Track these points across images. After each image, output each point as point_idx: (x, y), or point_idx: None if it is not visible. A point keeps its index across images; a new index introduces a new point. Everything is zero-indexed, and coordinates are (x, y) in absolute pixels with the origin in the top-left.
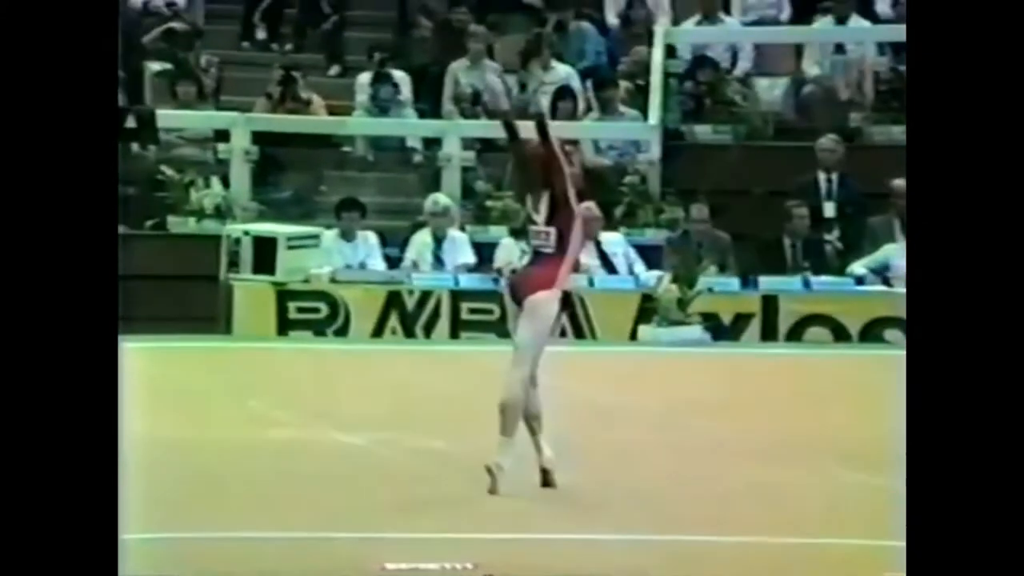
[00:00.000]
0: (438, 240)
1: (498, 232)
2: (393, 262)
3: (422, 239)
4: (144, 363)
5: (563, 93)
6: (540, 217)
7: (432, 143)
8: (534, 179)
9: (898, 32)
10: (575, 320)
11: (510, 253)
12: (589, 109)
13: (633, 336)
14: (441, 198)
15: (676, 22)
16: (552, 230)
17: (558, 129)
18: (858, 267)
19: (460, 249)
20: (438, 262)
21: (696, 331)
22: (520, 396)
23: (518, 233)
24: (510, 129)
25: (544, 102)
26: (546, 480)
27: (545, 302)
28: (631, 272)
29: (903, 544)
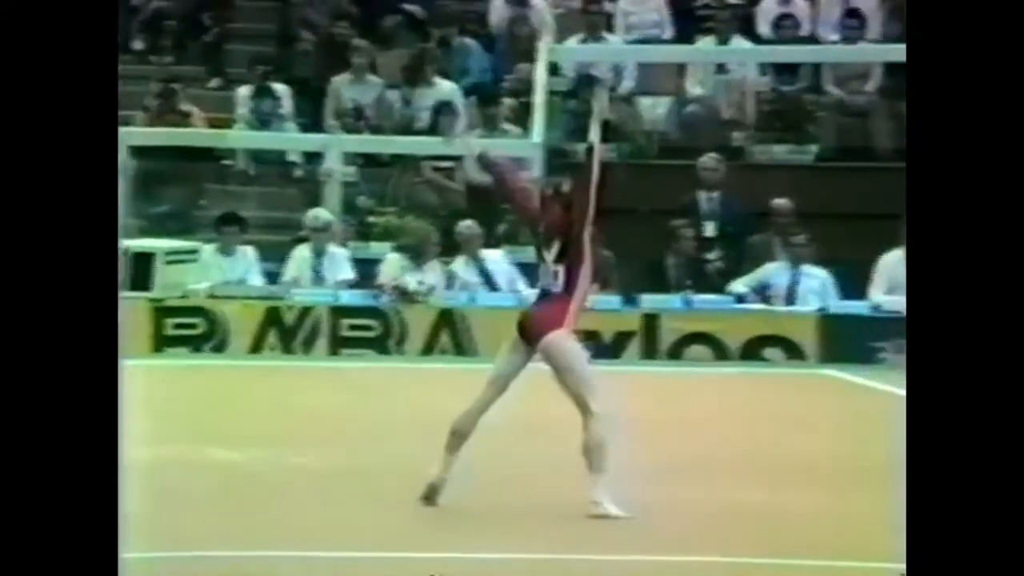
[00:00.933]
0: (318, 255)
1: (380, 248)
2: (272, 277)
3: (301, 254)
4: None
5: (443, 108)
6: (550, 255)
7: (314, 157)
8: (549, 217)
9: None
10: (456, 338)
11: (393, 269)
12: (473, 126)
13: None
14: (322, 213)
15: (560, 40)
16: (561, 268)
17: (438, 145)
18: (738, 286)
19: (340, 265)
20: (318, 278)
21: None
22: (470, 423)
23: (402, 249)
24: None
25: (428, 119)
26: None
27: (559, 340)
28: (513, 289)
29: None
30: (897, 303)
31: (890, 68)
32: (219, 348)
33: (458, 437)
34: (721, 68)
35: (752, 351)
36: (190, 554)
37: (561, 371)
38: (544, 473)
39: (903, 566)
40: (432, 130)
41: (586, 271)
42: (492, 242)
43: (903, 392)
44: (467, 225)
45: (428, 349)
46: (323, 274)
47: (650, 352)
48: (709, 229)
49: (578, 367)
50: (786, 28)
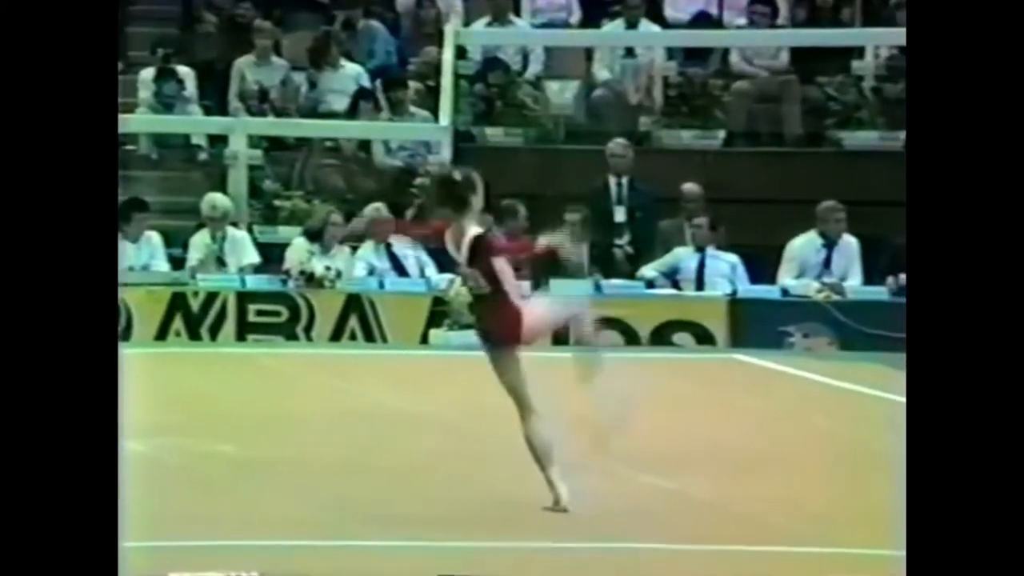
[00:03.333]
0: (219, 240)
1: (287, 232)
2: (177, 263)
3: (202, 239)
4: None
5: (364, 93)
6: (460, 256)
7: (218, 141)
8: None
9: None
10: (365, 323)
11: (300, 254)
12: (379, 109)
13: (424, 340)
14: (218, 200)
15: (467, 23)
16: (477, 272)
17: (351, 129)
18: (648, 271)
19: (243, 249)
20: (221, 263)
21: None
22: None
23: (308, 234)
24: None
25: (334, 101)
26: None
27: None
28: (422, 275)
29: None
30: (805, 287)
31: (797, 52)
32: (124, 336)
33: (539, 454)
34: (629, 52)
35: (662, 336)
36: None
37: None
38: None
39: (817, 548)
40: (351, 114)
41: (501, 263)
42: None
43: (813, 376)
44: (373, 208)
45: (336, 335)
46: (226, 259)
47: (560, 338)
48: (619, 214)
49: (523, 366)
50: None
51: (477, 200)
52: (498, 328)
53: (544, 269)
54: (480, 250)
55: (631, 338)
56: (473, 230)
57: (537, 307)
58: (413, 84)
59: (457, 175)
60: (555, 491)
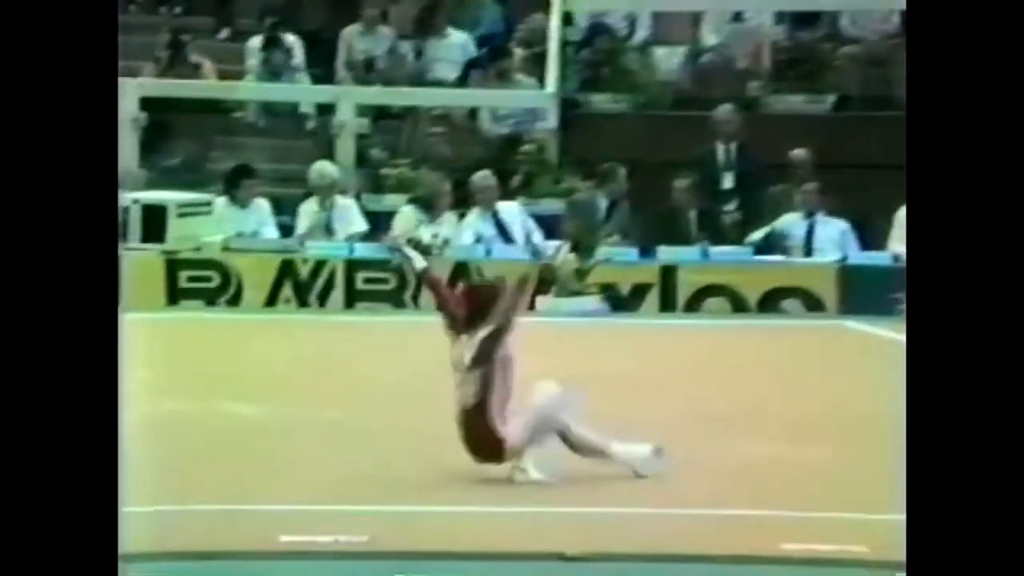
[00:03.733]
0: (327, 209)
1: (394, 200)
2: (286, 230)
3: (311, 207)
4: None
5: (475, 62)
6: (464, 361)
7: (326, 109)
8: (457, 319)
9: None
10: None
11: (408, 222)
12: (487, 77)
13: (530, 307)
14: (326, 169)
15: None
16: (476, 376)
17: (457, 97)
18: (756, 237)
19: (351, 218)
20: (329, 231)
21: (594, 302)
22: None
23: (417, 201)
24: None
25: (440, 70)
26: None
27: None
28: (528, 242)
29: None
30: None
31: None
32: (233, 301)
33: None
34: (737, 17)
35: (770, 303)
36: (189, 508)
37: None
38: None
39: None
40: (460, 82)
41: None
42: (507, 194)
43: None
44: (481, 176)
45: None
46: (334, 227)
47: (668, 305)
48: (727, 181)
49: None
50: None
51: (498, 307)
52: (480, 450)
53: (653, 234)
54: (488, 347)
55: (739, 305)
56: (483, 331)
57: (516, 427)
58: (519, 51)
59: (487, 287)
60: (630, 465)
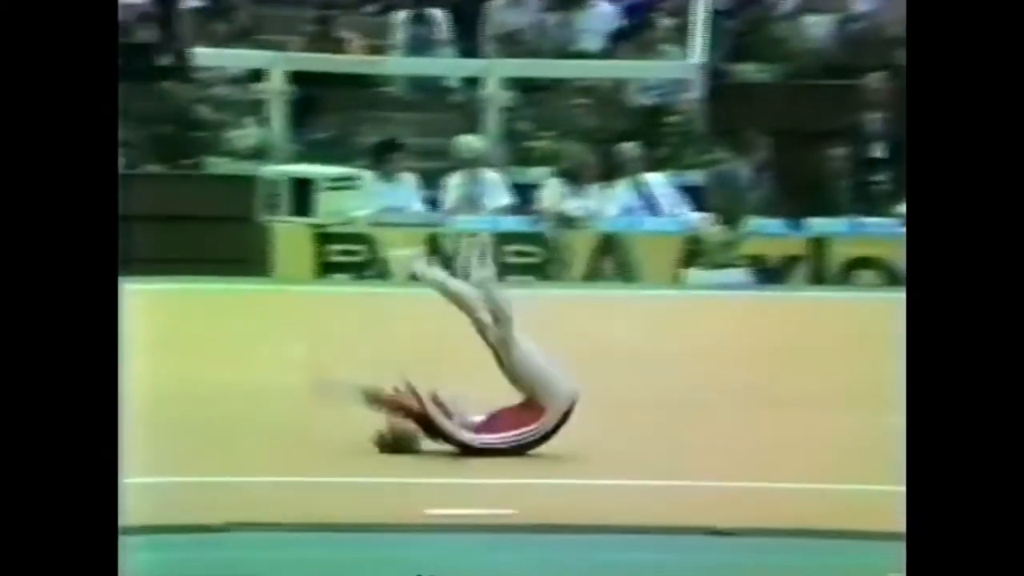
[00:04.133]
0: (473, 183)
1: (540, 173)
2: (432, 204)
3: (458, 181)
4: (180, 304)
5: (622, 33)
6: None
7: (471, 83)
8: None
9: None
10: (620, 262)
11: (554, 195)
12: (633, 48)
13: (678, 279)
14: (473, 142)
15: None
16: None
17: (602, 69)
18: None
19: (497, 191)
20: (475, 205)
21: (742, 274)
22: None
23: (563, 173)
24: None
25: (586, 41)
26: None
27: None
28: (675, 213)
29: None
30: None
31: None
32: (381, 275)
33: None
34: None
35: None
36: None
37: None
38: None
39: None
40: (605, 53)
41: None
42: (654, 165)
43: None
44: (629, 147)
45: (591, 275)
46: (480, 201)
47: (817, 277)
48: (876, 150)
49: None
50: None
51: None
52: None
53: (801, 205)
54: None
55: (890, 277)
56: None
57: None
58: (665, 21)
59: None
60: None
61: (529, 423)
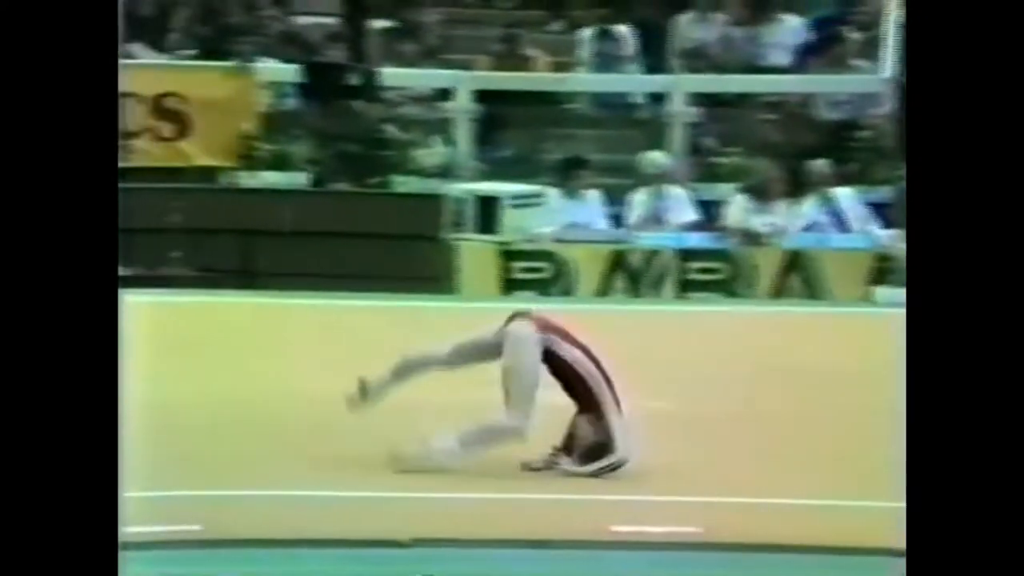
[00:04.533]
0: (659, 199)
1: (726, 189)
2: (617, 221)
3: (642, 197)
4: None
5: (811, 47)
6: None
7: (657, 99)
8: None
9: None
10: (807, 279)
11: (740, 211)
12: (822, 63)
13: (866, 296)
14: (658, 158)
15: None
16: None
17: (790, 84)
18: None
19: (682, 207)
20: (660, 221)
21: None
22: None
23: (749, 190)
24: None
25: (774, 55)
26: None
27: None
28: (864, 230)
29: None
30: None
31: None
32: (566, 291)
33: (403, 370)
34: None
35: None
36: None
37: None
38: None
39: None
40: (793, 68)
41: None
42: (843, 181)
43: None
44: (818, 164)
45: (777, 292)
46: (665, 217)
47: None
48: None
49: (527, 382)
50: None
51: None
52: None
53: None
54: None
55: None
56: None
57: None
58: (855, 35)
59: None
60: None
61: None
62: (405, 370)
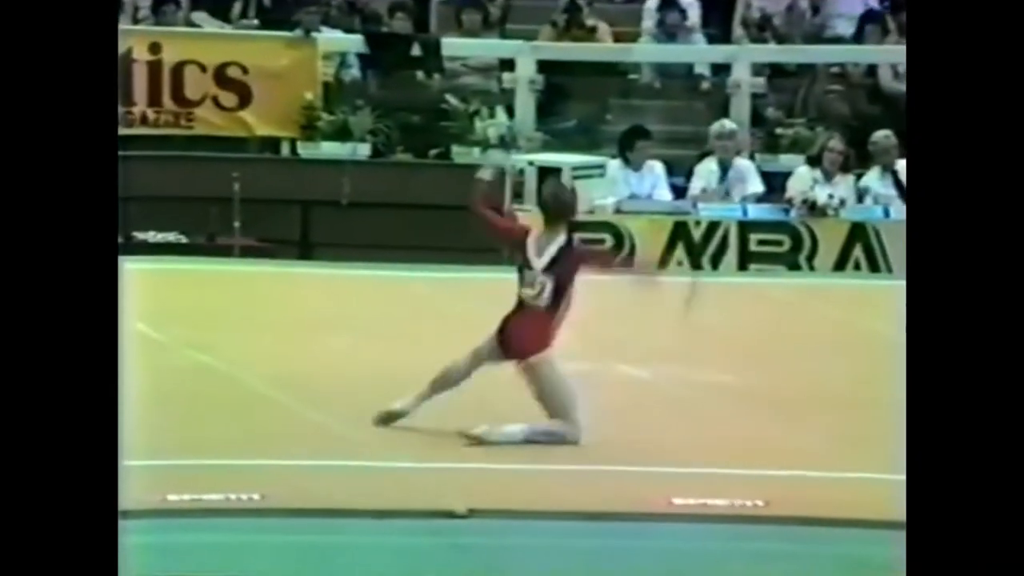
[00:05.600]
0: (724, 168)
1: (789, 161)
2: (679, 192)
3: (708, 167)
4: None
5: (871, 16)
6: (540, 261)
7: (720, 69)
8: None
9: None
10: (869, 252)
11: (803, 182)
12: (887, 32)
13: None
14: (727, 122)
15: None
16: (549, 280)
17: (855, 54)
18: None
19: (748, 178)
20: (725, 192)
21: None
22: (453, 379)
23: (812, 161)
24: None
25: (839, 25)
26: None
27: (543, 362)
28: None
29: None
30: None
31: None
32: (626, 263)
33: (430, 391)
34: None
35: None
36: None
37: (544, 394)
38: None
39: None
40: (857, 38)
41: (573, 290)
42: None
43: None
44: (883, 135)
45: (840, 264)
46: (730, 188)
47: None
48: None
49: (561, 391)
50: None
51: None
52: (524, 345)
53: None
54: (564, 259)
55: None
56: (562, 237)
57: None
58: None
59: (569, 190)
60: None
61: None
62: (432, 391)
